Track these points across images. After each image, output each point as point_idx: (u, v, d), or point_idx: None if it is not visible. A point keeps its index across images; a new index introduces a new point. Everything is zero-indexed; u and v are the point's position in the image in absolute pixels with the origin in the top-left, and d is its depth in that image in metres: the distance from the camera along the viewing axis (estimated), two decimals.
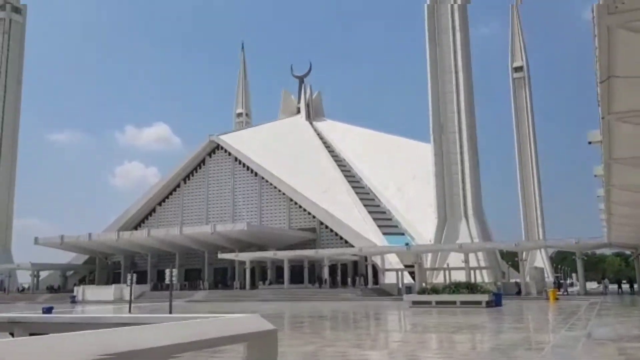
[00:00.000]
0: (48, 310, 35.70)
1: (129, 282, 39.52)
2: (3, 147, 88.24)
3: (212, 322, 3.79)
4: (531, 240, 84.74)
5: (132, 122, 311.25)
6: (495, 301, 39.01)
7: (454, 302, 37.77)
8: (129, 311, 39.52)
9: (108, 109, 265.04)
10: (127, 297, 64.03)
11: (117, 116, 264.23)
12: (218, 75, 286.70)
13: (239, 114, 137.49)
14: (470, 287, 39.49)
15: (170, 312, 33.03)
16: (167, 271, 33.24)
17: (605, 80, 8.99)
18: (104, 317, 4.53)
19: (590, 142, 16.83)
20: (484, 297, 37.57)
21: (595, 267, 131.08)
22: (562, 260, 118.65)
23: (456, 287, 39.52)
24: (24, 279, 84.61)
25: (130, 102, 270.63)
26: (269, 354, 3.62)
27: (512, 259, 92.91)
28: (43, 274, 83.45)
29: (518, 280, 57.25)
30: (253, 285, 67.06)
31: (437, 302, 38.13)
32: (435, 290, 40.56)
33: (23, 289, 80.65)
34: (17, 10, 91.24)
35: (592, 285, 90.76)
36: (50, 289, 77.35)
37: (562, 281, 65.26)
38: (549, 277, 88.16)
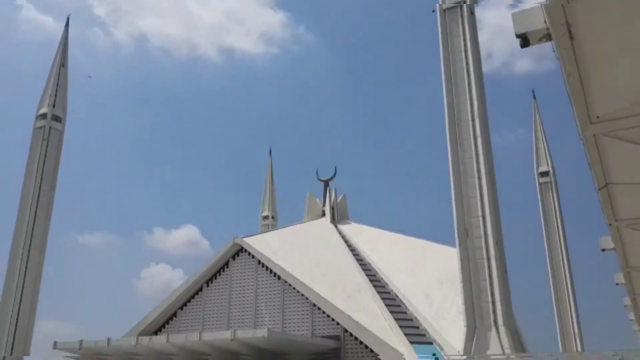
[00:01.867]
0: None
1: None
2: (31, 254, 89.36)
3: None
4: (568, 351, 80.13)
5: (161, 224, 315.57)
6: None
7: None
8: None
9: (138, 211, 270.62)
10: None
11: (146, 218, 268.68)
12: (247, 178, 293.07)
13: (265, 217, 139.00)
14: None
15: None
16: None
17: (603, 187, 8.70)
18: None
19: (603, 250, 16.18)
20: None
21: None
22: None
23: None
24: None
25: (160, 204, 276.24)
26: None
27: None
28: None
29: None
30: None
31: None
32: None
33: None
34: (57, 118, 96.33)
35: None
36: None
37: None
38: None
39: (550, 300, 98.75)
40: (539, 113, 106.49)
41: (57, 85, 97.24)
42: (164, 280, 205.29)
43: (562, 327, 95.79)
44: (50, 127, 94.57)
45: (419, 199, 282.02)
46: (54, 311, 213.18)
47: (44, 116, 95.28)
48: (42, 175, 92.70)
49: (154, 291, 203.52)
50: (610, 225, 11.89)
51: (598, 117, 6.38)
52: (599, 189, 8.92)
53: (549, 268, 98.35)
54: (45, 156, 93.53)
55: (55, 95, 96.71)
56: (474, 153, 72.04)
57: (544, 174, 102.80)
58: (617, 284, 20.20)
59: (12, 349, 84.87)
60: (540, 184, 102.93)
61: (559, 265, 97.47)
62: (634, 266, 16.24)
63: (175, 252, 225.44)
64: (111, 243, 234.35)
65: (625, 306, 27.30)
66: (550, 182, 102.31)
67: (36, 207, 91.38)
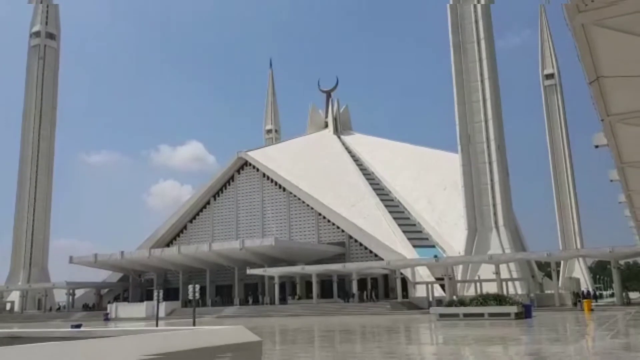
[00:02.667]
0: (76, 327, 36.43)
1: (160, 299, 39.98)
2: (40, 170, 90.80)
3: (198, 333, 3.77)
4: (568, 249, 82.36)
5: (167, 142, 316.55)
6: (525, 313, 38.06)
7: (482, 315, 36.97)
8: (156, 326, 39.92)
9: (143, 129, 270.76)
10: (160, 314, 65.12)
11: (151, 136, 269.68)
12: (249, 92, 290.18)
13: (269, 131, 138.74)
14: (499, 299, 38.63)
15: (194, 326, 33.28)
16: (190, 287, 33.46)
17: (594, 80, 8.68)
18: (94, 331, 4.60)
19: (597, 146, 16.28)
20: (513, 309, 36.66)
21: (638, 276, 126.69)
22: (602, 270, 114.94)
23: (484, 299, 38.72)
24: (62, 297, 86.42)
25: (164, 122, 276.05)
26: None
27: (549, 269, 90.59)
28: (79, 293, 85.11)
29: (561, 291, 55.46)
30: (282, 301, 67.01)
31: (465, 315, 37.39)
32: (462, 302, 39.80)
33: (59, 308, 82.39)
34: (51, 36, 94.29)
35: (634, 295, 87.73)
36: (86, 307, 78.85)
37: (589, 291, 63.03)
38: (588, 288, 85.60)
39: (552, 201, 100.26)
40: (546, 14, 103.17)
41: (48, 2, 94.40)
42: (174, 196, 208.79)
43: (562, 227, 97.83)
44: (45, 46, 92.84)
45: (422, 106, 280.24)
46: (70, 229, 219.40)
47: (37, 34, 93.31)
48: (42, 95, 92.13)
49: (165, 206, 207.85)
50: (602, 120, 11.93)
51: (586, 4, 6.30)
52: (590, 83, 8.88)
53: (551, 170, 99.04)
54: (43, 75, 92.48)
55: (47, 11, 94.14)
56: (477, 57, 70.78)
57: (549, 76, 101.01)
58: (611, 180, 20.44)
59: (30, 263, 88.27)
60: (545, 86, 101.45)
61: (561, 166, 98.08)
62: (627, 162, 16.38)
63: (182, 168, 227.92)
64: (118, 161, 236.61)
65: (620, 202, 27.71)
66: (555, 84, 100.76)
67: (39, 128, 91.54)
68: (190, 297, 33.79)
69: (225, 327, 4.03)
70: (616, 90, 9.49)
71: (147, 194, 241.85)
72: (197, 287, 34.49)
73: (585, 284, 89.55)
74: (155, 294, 39.99)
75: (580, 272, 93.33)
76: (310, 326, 35.82)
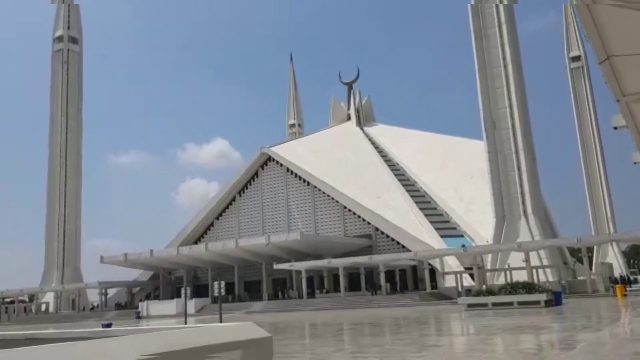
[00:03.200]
0: (107, 326, 37.06)
1: (189, 295, 40.51)
2: (69, 172, 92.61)
3: (203, 330, 3.72)
4: (599, 235, 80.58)
5: (192, 140, 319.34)
6: (555, 300, 37.42)
7: (511, 303, 36.46)
8: (185, 323, 40.38)
9: (168, 128, 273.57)
10: (190, 311, 65.91)
11: (177, 135, 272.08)
12: (273, 87, 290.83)
13: (292, 125, 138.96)
14: (528, 287, 38.02)
15: (221, 322, 33.53)
16: (216, 283, 33.66)
17: (605, 60, 8.31)
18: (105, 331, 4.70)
19: (615, 128, 15.74)
20: (542, 297, 36.09)
21: None
22: (637, 255, 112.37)
23: (513, 288, 38.17)
24: (95, 297, 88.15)
25: (189, 120, 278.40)
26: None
27: (580, 255, 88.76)
28: (111, 292, 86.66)
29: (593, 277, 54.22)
30: (310, 295, 67.11)
31: (494, 304, 36.90)
32: (491, 291, 39.31)
33: (93, 307, 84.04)
34: (74, 40, 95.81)
35: None
36: (118, 306, 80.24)
37: (622, 276, 61.63)
38: (623, 273, 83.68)
39: (583, 186, 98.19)
40: None
41: (69, 5, 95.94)
42: (201, 194, 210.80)
43: (594, 212, 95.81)
44: (68, 50, 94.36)
45: (446, 95, 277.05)
46: (103, 230, 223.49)
47: (60, 39, 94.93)
48: (67, 99, 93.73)
49: (193, 204, 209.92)
50: (618, 101, 11.48)
51: None
52: (600, 63, 8.51)
53: (580, 154, 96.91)
54: (67, 79, 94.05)
55: (69, 15, 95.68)
56: (499, 42, 69.47)
57: (575, 58, 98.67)
58: (635, 163, 19.78)
59: (63, 263, 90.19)
60: (571, 69, 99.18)
61: (590, 150, 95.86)
62: None
63: (209, 166, 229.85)
64: (146, 161, 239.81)
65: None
66: (582, 66, 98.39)
67: (66, 131, 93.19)
68: (216, 293, 33.94)
69: (233, 324, 4.00)
70: (629, 68, 9.06)
71: (175, 193, 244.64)
72: (223, 283, 34.67)
73: (619, 269, 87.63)
74: (182, 291, 40.37)
75: (614, 257, 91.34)
76: (337, 319, 35.74)
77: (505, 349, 13.48)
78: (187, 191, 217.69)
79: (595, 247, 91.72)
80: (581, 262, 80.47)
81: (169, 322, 50.92)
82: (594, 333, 17.42)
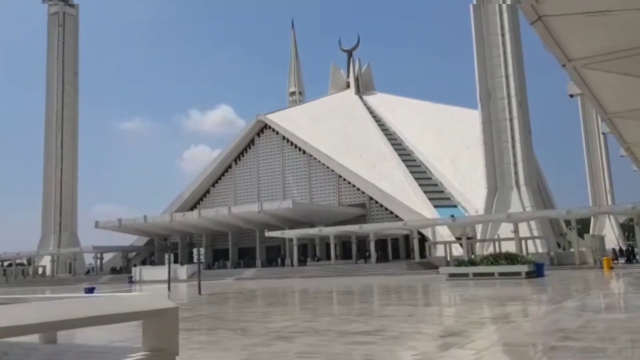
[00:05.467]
0: (90, 291, 37.29)
1: (180, 262, 40.71)
2: (65, 137, 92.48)
3: (106, 300, 3.90)
4: (588, 207, 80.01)
5: (196, 106, 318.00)
6: (537, 272, 37.25)
7: (492, 274, 36.36)
8: (168, 289, 40.68)
9: (171, 95, 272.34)
10: (181, 277, 66.45)
11: (181, 101, 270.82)
12: (277, 53, 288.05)
13: (292, 93, 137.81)
14: (510, 258, 37.84)
15: (200, 292, 33.63)
16: (195, 250, 33.73)
17: (536, 20, 7.80)
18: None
19: (571, 95, 15.21)
20: (523, 268, 35.91)
21: None
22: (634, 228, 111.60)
23: (495, 259, 38.01)
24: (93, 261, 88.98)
25: (193, 87, 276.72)
26: (168, 331, 3.67)
27: (578, 227, 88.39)
28: (108, 256, 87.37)
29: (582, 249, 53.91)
30: (302, 262, 67.44)
31: (475, 274, 36.82)
32: (473, 262, 39.18)
33: (88, 271, 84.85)
34: (69, 3, 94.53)
35: None
36: (113, 271, 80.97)
37: (621, 248, 61.44)
38: (621, 246, 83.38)
39: (583, 158, 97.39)
40: None
41: None
42: (205, 161, 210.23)
43: (593, 185, 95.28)
44: (64, 13, 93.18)
45: (446, 63, 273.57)
46: (108, 195, 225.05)
47: (55, 1, 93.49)
48: (63, 62, 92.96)
49: (197, 171, 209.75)
50: (564, 66, 10.98)
51: None
52: (532, 24, 8.00)
53: (581, 126, 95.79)
54: (63, 43, 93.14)
55: None
56: (497, 9, 68.02)
57: None
58: (603, 133, 19.26)
59: (60, 228, 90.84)
60: None
61: (591, 122, 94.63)
62: (613, 112, 15.27)
63: (213, 133, 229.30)
64: (151, 128, 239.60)
65: (621, 156, 26.25)
66: None
67: (62, 95, 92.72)
68: (196, 260, 33.96)
69: (140, 294, 4.23)
70: (566, 31, 8.55)
71: (180, 160, 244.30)
72: (202, 250, 34.76)
73: (616, 242, 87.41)
74: (166, 257, 40.59)
75: (611, 230, 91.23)
76: (317, 287, 35.82)
77: (440, 322, 13.33)
78: (192, 158, 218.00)
79: (592, 219, 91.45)
80: (579, 234, 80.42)
81: (157, 288, 51.31)
82: (548, 306, 17.25)
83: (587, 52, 10.80)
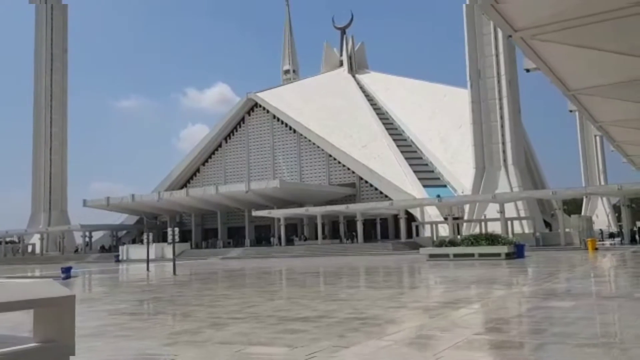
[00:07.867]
0: (67, 270, 36.95)
1: (169, 240, 40.16)
2: (54, 115, 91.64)
3: None
4: (575, 188, 79.73)
5: (194, 85, 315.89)
6: (517, 253, 37.02)
7: (472, 255, 36.11)
8: (147, 269, 40.38)
9: (169, 73, 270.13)
10: (168, 256, 66.24)
11: (178, 80, 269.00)
12: (273, 30, 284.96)
13: (286, 71, 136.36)
14: (491, 239, 37.58)
15: (174, 272, 33.35)
16: (169, 230, 33.31)
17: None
18: None
19: (527, 70, 14.64)
20: (503, 249, 35.66)
21: None
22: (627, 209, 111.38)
23: (475, 239, 37.73)
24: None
25: (190, 65, 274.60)
26: (62, 322, 3.46)
27: (570, 208, 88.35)
28: (98, 235, 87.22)
29: (568, 230, 53.76)
30: (290, 242, 67.28)
31: (455, 255, 36.58)
32: (453, 242, 38.91)
33: (77, 249, 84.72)
34: None
35: None
36: (102, 249, 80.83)
37: (609, 230, 61.27)
38: (611, 227, 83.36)
39: (576, 138, 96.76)
40: None
41: None
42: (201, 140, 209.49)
43: (586, 165, 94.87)
44: None
45: (441, 42, 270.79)
46: (105, 173, 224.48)
47: None
48: (51, 39, 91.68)
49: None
50: (510, 37, 10.44)
51: None
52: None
53: (569, 103, 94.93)
54: (52, 19, 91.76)
55: None
56: None
57: None
58: (570, 111, 18.75)
59: (50, 206, 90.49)
60: None
61: None
62: (576, 89, 14.72)
63: (210, 111, 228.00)
64: (147, 106, 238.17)
65: (595, 136, 25.71)
66: None
67: (51, 72, 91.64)
68: (170, 241, 33.59)
69: (34, 281, 3.89)
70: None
71: (177, 139, 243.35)
72: (177, 230, 34.37)
73: (608, 223, 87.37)
74: (145, 236, 40.22)
75: (603, 211, 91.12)
76: (295, 267, 35.56)
77: (386, 308, 12.97)
78: (189, 137, 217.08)
79: (584, 200, 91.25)
80: (568, 214, 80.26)
81: (140, 267, 51.07)
82: (507, 290, 16.94)
83: (531, 20, 10.21)
